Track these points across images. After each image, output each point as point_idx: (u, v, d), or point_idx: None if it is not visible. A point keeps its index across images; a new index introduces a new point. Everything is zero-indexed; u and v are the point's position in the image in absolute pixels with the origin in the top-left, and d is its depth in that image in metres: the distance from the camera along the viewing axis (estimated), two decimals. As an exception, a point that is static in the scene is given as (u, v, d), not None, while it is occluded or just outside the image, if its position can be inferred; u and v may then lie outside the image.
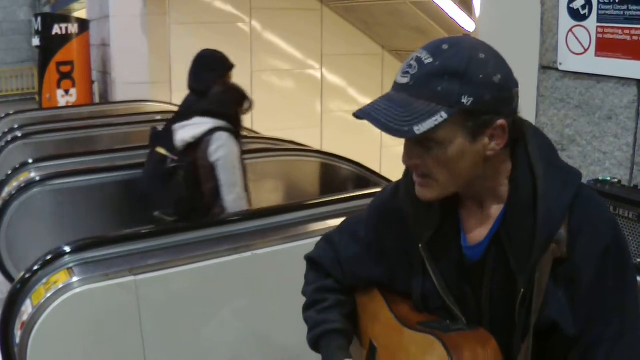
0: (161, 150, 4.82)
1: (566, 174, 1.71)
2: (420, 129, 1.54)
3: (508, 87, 1.63)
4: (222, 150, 4.46)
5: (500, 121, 1.61)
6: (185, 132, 4.57)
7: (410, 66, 1.61)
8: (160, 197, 4.74)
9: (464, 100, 1.56)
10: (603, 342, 1.63)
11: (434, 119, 1.54)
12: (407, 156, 1.67)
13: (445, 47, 1.61)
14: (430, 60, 1.59)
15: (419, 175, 1.69)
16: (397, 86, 1.63)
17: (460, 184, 1.69)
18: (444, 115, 1.55)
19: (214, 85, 4.87)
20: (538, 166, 1.67)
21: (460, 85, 1.56)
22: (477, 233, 1.77)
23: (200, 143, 4.51)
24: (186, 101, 5.00)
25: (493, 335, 1.70)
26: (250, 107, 4.78)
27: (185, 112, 4.84)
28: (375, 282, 2.04)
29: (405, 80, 1.60)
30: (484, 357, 1.65)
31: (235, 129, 4.62)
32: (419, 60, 1.60)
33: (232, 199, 4.45)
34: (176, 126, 4.68)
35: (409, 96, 1.59)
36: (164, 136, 4.90)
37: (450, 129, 1.58)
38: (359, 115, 1.62)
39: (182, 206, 4.50)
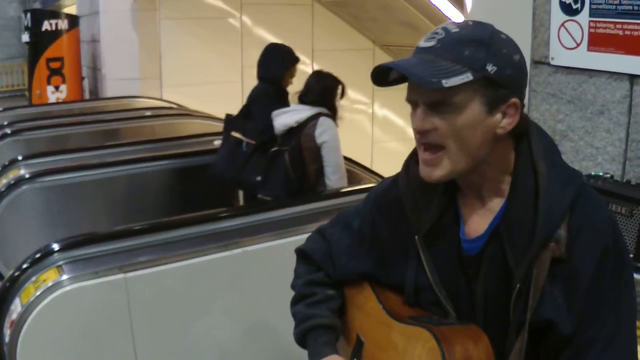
0: (236, 134, 5.50)
1: (568, 173, 1.71)
2: (448, 82, 1.55)
3: (524, 70, 1.68)
4: (327, 133, 4.97)
5: (515, 99, 1.64)
6: (288, 117, 5.07)
7: (436, 33, 1.65)
8: (236, 177, 5.44)
9: (489, 67, 1.59)
10: (597, 341, 1.62)
11: (460, 77, 1.57)
12: (421, 121, 1.66)
13: (471, 23, 1.67)
14: (457, 30, 1.63)
15: (428, 149, 1.68)
16: (421, 49, 1.66)
17: (469, 163, 1.67)
18: (470, 76, 1.57)
19: (283, 74, 5.61)
20: (540, 163, 1.68)
21: (487, 53, 1.60)
22: (477, 227, 1.77)
23: (303, 127, 4.98)
24: (256, 89, 5.67)
25: (487, 332, 1.69)
26: (344, 92, 5.24)
27: (255, 100, 5.56)
28: (367, 275, 2.03)
29: (431, 43, 1.64)
30: (476, 353, 1.64)
31: (333, 114, 5.08)
32: (445, 29, 1.65)
33: (337, 178, 4.93)
34: (275, 113, 5.20)
35: (435, 57, 1.61)
36: (238, 121, 5.62)
37: (470, 94, 1.60)
38: (387, 65, 1.64)
39: (291, 187, 4.93)
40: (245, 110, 5.69)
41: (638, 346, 1.71)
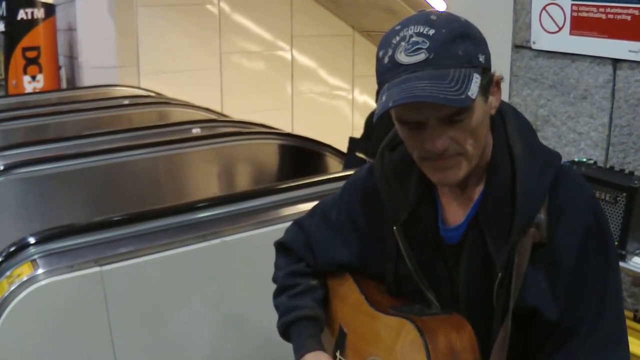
0: (360, 155, 6.17)
1: (545, 154, 1.69)
2: (473, 93, 1.48)
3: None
4: None
5: (497, 75, 1.61)
6: None
7: (416, 42, 1.52)
8: None
9: (481, 58, 1.54)
10: (583, 325, 1.59)
11: (474, 82, 1.49)
12: (438, 140, 1.56)
13: (433, 17, 1.55)
14: (433, 31, 1.52)
15: (447, 157, 1.59)
16: (412, 66, 1.52)
17: (479, 155, 1.64)
18: (477, 76, 1.51)
19: None
20: (517, 147, 1.64)
21: (473, 44, 1.54)
22: (456, 215, 1.74)
23: None
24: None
25: (471, 321, 1.67)
26: None
27: (377, 124, 6.26)
28: (347, 266, 2.01)
29: (422, 56, 1.51)
30: (459, 342, 1.63)
31: None
32: (421, 34, 1.52)
33: None
34: None
35: (436, 69, 1.50)
36: (361, 143, 6.32)
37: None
38: (400, 102, 1.49)
39: None
40: (367, 132, 6.38)
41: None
